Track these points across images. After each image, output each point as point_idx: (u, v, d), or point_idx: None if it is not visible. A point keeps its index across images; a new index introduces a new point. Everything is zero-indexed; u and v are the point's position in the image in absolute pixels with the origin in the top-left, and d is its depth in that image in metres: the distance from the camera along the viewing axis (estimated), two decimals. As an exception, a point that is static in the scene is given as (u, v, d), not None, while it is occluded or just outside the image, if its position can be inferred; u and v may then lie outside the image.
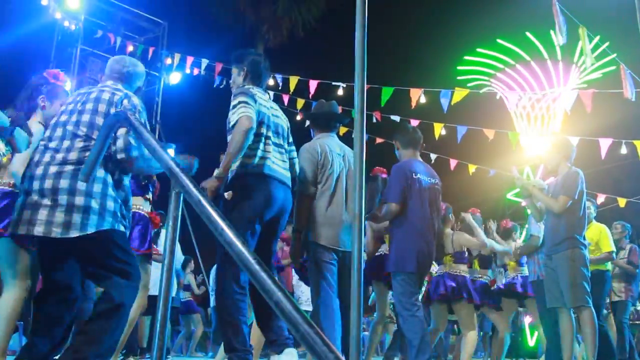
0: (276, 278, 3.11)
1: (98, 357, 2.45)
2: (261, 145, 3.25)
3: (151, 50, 12.19)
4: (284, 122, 3.50)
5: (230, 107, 3.22)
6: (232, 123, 3.16)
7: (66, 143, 2.63)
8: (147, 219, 4.04)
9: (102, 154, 2.17)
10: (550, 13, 4.74)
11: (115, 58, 3.07)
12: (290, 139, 3.60)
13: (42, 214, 2.49)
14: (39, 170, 2.58)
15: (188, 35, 14.76)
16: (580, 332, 4.45)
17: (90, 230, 2.49)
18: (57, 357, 2.57)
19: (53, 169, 2.55)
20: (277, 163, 3.32)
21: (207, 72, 10.69)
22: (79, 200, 2.49)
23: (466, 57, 16.79)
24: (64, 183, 2.51)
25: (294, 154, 3.61)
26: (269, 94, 3.58)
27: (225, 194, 3.21)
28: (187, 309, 9.01)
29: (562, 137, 4.58)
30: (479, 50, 16.55)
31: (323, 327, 3.41)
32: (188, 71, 11.16)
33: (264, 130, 3.29)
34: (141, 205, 3.99)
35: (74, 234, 2.46)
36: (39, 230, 2.48)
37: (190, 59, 10.71)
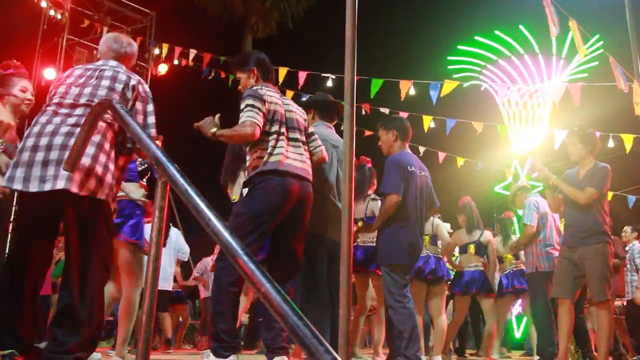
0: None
1: (81, 349, 2.40)
2: (274, 142, 3.24)
3: (138, 40, 12.05)
4: (298, 115, 3.47)
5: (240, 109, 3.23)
6: (239, 122, 3.17)
7: (79, 111, 2.62)
8: (141, 208, 3.93)
9: (88, 142, 2.12)
10: (541, 6, 4.73)
11: (111, 36, 3.05)
12: (310, 130, 3.57)
13: (50, 170, 2.46)
14: (49, 128, 2.55)
15: (176, 25, 14.62)
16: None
17: (86, 192, 2.47)
18: (42, 347, 2.52)
19: (65, 129, 2.54)
20: (293, 157, 3.29)
21: (195, 62, 10.60)
22: (85, 160, 2.47)
23: (456, 51, 16.81)
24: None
25: (317, 142, 3.56)
26: (277, 89, 3.53)
27: (242, 190, 3.23)
28: (174, 299, 8.97)
29: (590, 131, 4.58)
30: (467, 43, 16.57)
31: (312, 319, 3.39)
32: (176, 62, 11.05)
33: (276, 127, 3.27)
34: (134, 192, 3.86)
35: (73, 188, 2.42)
36: (48, 186, 2.44)
37: (178, 50, 10.60)
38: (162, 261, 7.01)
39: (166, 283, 7.30)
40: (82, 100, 2.66)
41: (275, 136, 3.26)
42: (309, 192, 3.35)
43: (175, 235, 7.60)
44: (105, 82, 2.73)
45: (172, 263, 7.47)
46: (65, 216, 2.55)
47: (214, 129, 3.20)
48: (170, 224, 7.28)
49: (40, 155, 2.49)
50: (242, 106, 3.21)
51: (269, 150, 3.22)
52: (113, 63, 2.88)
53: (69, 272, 2.49)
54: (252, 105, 3.18)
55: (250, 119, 3.12)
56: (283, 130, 3.31)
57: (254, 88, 3.33)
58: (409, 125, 4.35)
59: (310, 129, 3.59)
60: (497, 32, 15.91)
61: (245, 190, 3.22)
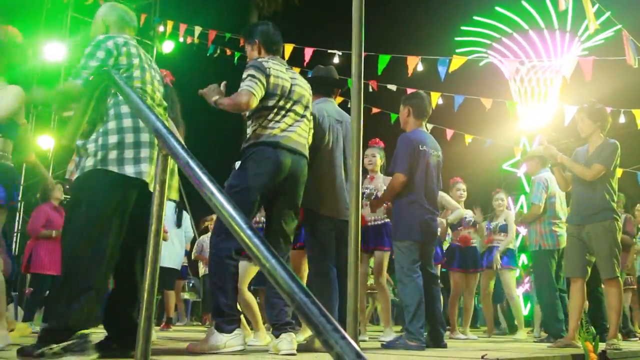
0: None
1: None
2: (272, 116, 3.19)
3: (143, 17, 11.91)
4: (303, 89, 3.39)
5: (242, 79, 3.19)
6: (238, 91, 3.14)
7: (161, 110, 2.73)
8: None
9: (87, 116, 2.08)
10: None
11: (121, 7, 3.02)
12: (309, 111, 3.50)
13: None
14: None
15: (181, 2, 14.46)
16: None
17: None
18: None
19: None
20: (292, 130, 3.23)
21: (200, 40, 10.48)
22: None
23: (464, 28, 16.57)
24: None
25: (309, 125, 3.50)
26: (284, 62, 3.46)
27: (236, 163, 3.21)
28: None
29: (599, 107, 4.49)
30: (477, 18, 16.31)
31: (320, 297, 3.38)
32: (181, 39, 10.94)
33: (278, 101, 3.21)
34: None
35: None
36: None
37: (183, 27, 10.48)
38: (175, 242, 7.15)
39: (175, 263, 7.34)
40: (159, 97, 2.78)
41: (276, 110, 3.20)
42: (302, 166, 3.30)
43: (186, 218, 7.74)
44: (158, 76, 2.83)
45: (183, 244, 7.54)
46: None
47: (216, 97, 3.17)
48: (183, 209, 7.38)
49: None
50: (243, 76, 3.16)
51: (264, 124, 3.18)
52: (130, 38, 2.84)
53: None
54: (253, 76, 3.13)
55: (247, 88, 3.08)
56: (286, 104, 3.25)
57: (259, 60, 3.27)
58: (428, 103, 4.33)
59: (308, 111, 3.52)
60: (499, 9, 15.64)
61: (239, 163, 3.21)
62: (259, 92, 3.11)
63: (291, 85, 3.30)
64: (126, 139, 2.47)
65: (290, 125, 3.23)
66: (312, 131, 3.52)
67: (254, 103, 3.10)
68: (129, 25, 2.92)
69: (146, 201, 2.54)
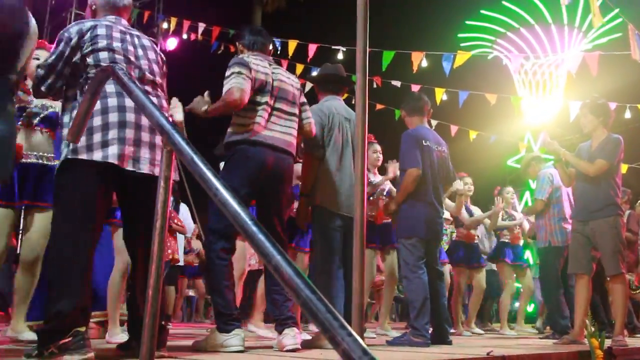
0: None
1: None
2: (252, 113, 3.17)
3: (147, 14, 11.91)
4: (289, 85, 3.37)
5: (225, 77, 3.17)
6: (224, 92, 3.12)
7: (149, 87, 2.59)
8: None
9: (91, 111, 2.06)
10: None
11: None
12: (303, 100, 3.49)
13: (145, 152, 2.44)
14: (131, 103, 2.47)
15: (184, -1, 14.45)
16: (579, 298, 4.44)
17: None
18: None
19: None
20: (274, 129, 3.21)
21: (204, 37, 10.47)
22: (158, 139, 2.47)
23: (469, 22, 16.51)
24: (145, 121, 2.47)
25: (306, 114, 3.49)
26: (269, 59, 3.45)
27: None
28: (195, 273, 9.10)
29: (601, 101, 4.46)
30: (482, 12, 16.26)
31: (326, 295, 3.37)
32: (185, 36, 10.92)
33: (259, 97, 3.20)
34: None
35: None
36: (144, 168, 2.43)
37: (187, 23, 10.47)
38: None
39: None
40: (151, 78, 2.62)
41: (256, 106, 3.19)
42: (286, 164, 3.27)
43: (185, 211, 7.65)
44: (152, 55, 2.68)
45: (182, 238, 7.49)
46: (135, 194, 2.53)
47: (204, 107, 3.15)
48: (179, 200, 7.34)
49: (146, 136, 2.46)
50: (227, 73, 3.15)
51: (244, 121, 3.16)
52: (115, 19, 2.68)
53: (142, 248, 2.53)
54: (239, 72, 3.11)
55: (236, 85, 3.07)
56: (267, 99, 3.22)
57: (240, 56, 3.29)
58: (422, 100, 4.33)
59: (303, 99, 3.51)
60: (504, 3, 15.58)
61: (222, 165, 3.20)
62: (248, 86, 3.11)
63: (272, 80, 3.28)
64: (94, 122, 2.35)
65: (273, 123, 3.22)
66: (306, 121, 3.49)
67: (246, 98, 3.10)
68: (117, 4, 2.73)
69: (137, 188, 2.48)
